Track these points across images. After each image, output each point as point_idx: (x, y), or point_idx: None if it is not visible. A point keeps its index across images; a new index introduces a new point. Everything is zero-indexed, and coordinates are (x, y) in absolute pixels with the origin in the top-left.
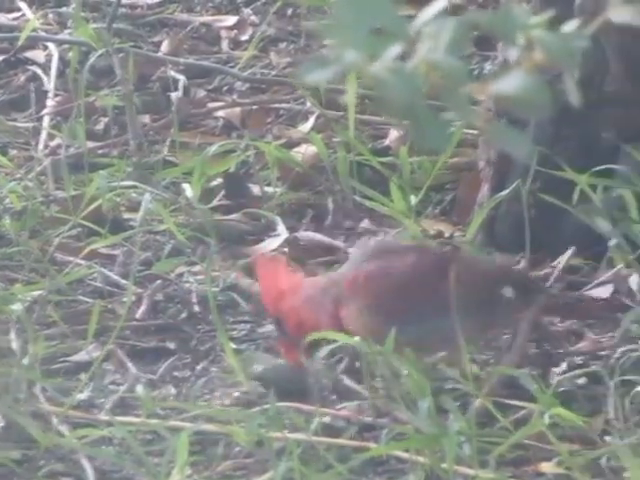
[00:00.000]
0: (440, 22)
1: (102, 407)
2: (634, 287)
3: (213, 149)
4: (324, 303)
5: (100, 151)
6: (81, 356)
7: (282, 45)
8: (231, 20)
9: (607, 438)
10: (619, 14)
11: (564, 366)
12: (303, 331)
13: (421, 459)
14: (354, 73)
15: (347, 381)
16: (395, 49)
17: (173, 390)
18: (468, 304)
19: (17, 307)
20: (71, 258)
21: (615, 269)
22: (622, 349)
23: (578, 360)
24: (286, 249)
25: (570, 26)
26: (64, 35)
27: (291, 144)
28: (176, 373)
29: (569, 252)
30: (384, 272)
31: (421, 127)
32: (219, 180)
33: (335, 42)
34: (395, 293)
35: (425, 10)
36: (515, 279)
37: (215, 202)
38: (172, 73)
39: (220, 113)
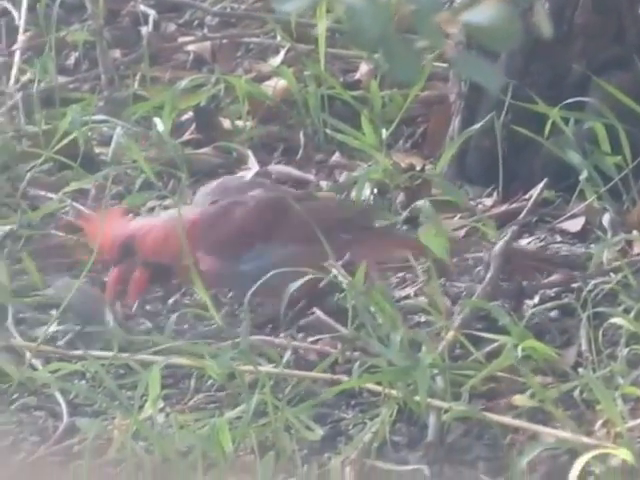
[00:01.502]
0: None
1: (73, 341)
2: (605, 223)
3: (183, 83)
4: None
5: (71, 86)
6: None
7: None
8: None
9: (580, 370)
10: None
11: (536, 299)
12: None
13: (394, 392)
14: (325, 6)
15: (320, 315)
16: None
17: (146, 324)
18: (303, 241)
19: None
20: (42, 192)
21: (587, 202)
22: (594, 282)
23: (550, 292)
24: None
25: None
26: None
27: (261, 78)
28: (148, 307)
29: (541, 185)
30: (224, 212)
31: (393, 58)
32: (190, 114)
33: None
34: (235, 233)
35: None
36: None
37: (186, 136)
38: (142, 7)
39: (190, 47)
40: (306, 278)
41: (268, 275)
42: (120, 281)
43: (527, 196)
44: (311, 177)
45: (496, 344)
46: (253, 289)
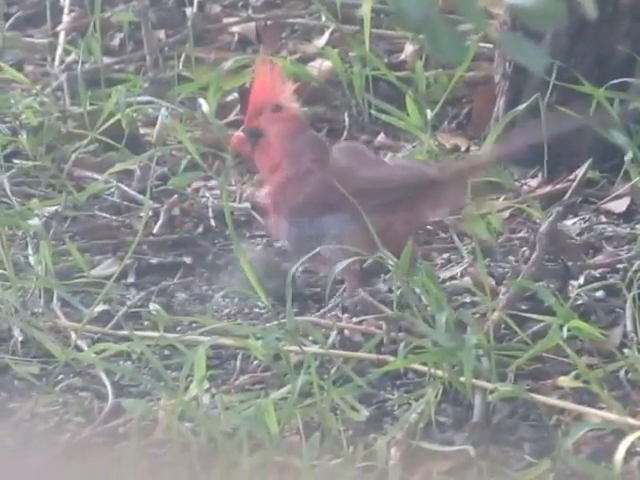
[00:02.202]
0: None
1: (120, 322)
2: None
3: (228, 64)
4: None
5: (116, 67)
6: (99, 271)
7: None
8: None
9: (625, 351)
10: None
11: (582, 279)
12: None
13: (439, 372)
14: None
15: (365, 295)
16: None
17: (191, 304)
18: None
19: (34, 222)
20: (88, 173)
21: (632, 182)
22: (639, 262)
23: (596, 273)
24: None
25: None
26: None
27: (306, 59)
28: (193, 288)
29: (586, 165)
30: (300, 179)
31: (436, 39)
32: (234, 95)
33: None
34: (303, 200)
35: None
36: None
37: (231, 117)
38: None
39: (235, 28)
40: (352, 259)
41: (317, 249)
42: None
43: (572, 177)
44: None
45: (541, 324)
46: (306, 257)
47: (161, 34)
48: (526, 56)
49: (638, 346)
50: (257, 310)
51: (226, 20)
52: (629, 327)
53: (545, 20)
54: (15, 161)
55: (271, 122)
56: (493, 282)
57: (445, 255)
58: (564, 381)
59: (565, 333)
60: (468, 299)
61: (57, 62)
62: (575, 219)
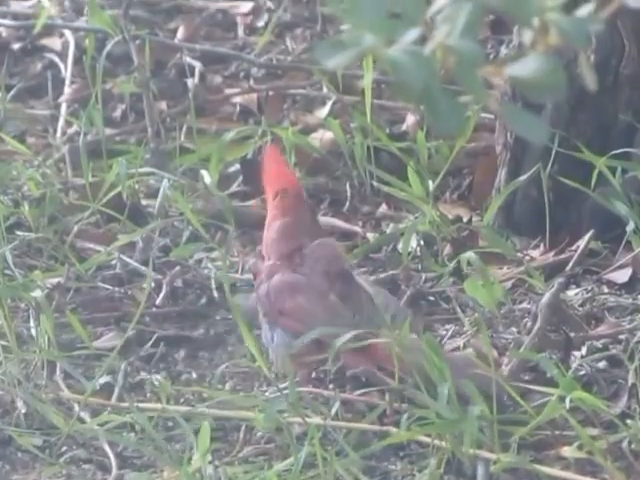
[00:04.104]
0: (455, 6)
1: (123, 393)
2: None
3: (230, 135)
4: None
5: (118, 138)
6: (101, 343)
7: (298, 30)
8: (247, 6)
9: (628, 421)
10: None
11: (584, 350)
12: None
13: (442, 443)
14: (371, 57)
15: (367, 366)
16: (412, 33)
17: (194, 376)
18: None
19: (37, 294)
20: (91, 245)
21: (634, 253)
22: None
23: (598, 344)
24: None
25: (585, 9)
26: (80, 22)
27: (308, 129)
28: (196, 359)
29: (588, 236)
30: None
31: (437, 110)
32: (237, 166)
33: (352, 25)
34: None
35: None
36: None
37: (233, 188)
38: (188, 59)
39: (237, 99)
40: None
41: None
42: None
43: (574, 247)
44: (358, 229)
45: (544, 396)
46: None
47: (163, 105)
48: (526, 128)
49: None
50: (260, 381)
51: (228, 91)
52: (632, 398)
53: (546, 92)
54: (17, 232)
55: (275, 207)
56: (496, 353)
57: (448, 326)
58: (567, 452)
59: (568, 404)
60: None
61: (59, 134)
62: (577, 290)
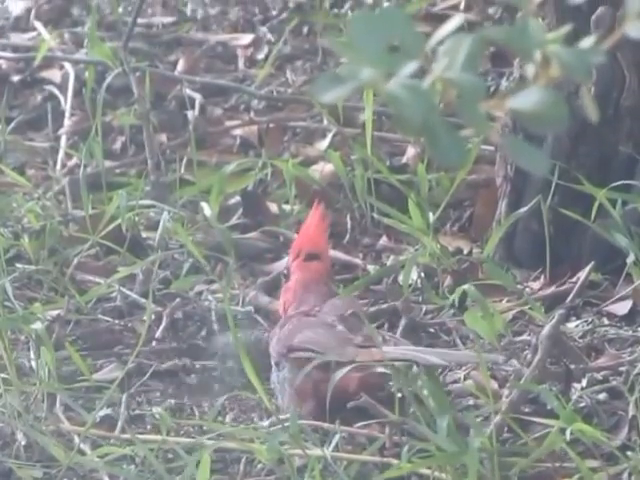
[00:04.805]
0: (456, 39)
1: (123, 425)
2: None
3: (230, 167)
4: None
5: (118, 170)
6: (102, 375)
7: (298, 63)
8: (247, 38)
9: (628, 453)
10: (635, 29)
11: (584, 382)
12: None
13: (443, 476)
14: (371, 90)
15: (367, 399)
16: (411, 66)
17: (194, 408)
18: None
19: (37, 326)
20: (90, 277)
21: (634, 285)
22: None
23: (598, 376)
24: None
25: (586, 42)
26: (80, 54)
27: (308, 162)
28: (196, 391)
29: (588, 268)
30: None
31: (437, 143)
32: (237, 198)
33: (351, 59)
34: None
35: (441, 27)
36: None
37: (233, 220)
38: (188, 91)
39: (237, 131)
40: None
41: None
42: None
43: (574, 279)
44: (358, 261)
45: (545, 427)
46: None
47: (163, 137)
48: (528, 160)
49: None
50: (260, 413)
51: (228, 123)
52: (632, 429)
53: (548, 124)
54: (17, 265)
55: (298, 268)
56: (496, 385)
57: None
58: None
59: (568, 435)
60: (471, 402)
61: (59, 166)
62: (577, 321)
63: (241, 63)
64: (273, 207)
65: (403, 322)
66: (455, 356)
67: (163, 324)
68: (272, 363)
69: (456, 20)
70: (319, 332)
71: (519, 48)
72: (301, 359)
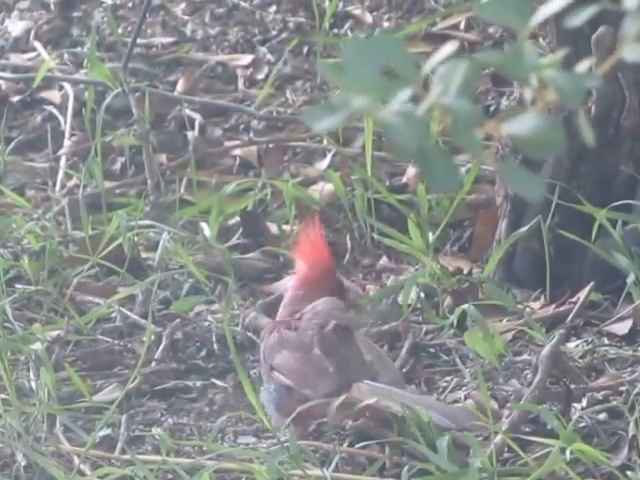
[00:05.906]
0: (451, 65)
1: (123, 446)
2: None
3: (230, 188)
4: None
5: (117, 191)
6: (101, 396)
7: (298, 83)
8: (247, 59)
9: (629, 473)
10: (632, 53)
11: (584, 402)
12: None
13: None
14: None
15: (367, 420)
16: (405, 93)
17: (194, 428)
18: None
19: (37, 347)
20: (90, 298)
21: (634, 305)
22: None
23: (598, 395)
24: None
25: (582, 66)
26: (80, 75)
27: (308, 182)
28: (196, 411)
29: (588, 288)
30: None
31: (432, 170)
32: (237, 219)
33: (343, 87)
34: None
35: (437, 51)
36: None
37: (233, 241)
38: (188, 112)
39: (237, 152)
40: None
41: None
42: None
43: (574, 299)
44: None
45: (545, 450)
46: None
47: (162, 158)
48: (522, 185)
49: None
50: (260, 434)
51: (227, 144)
52: (632, 449)
53: (544, 149)
54: (17, 285)
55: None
56: (496, 405)
57: (448, 378)
58: None
59: (568, 455)
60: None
61: (58, 186)
62: (578, 341)
63: (241, 83)
64: (273, 227)
65: (407, 343)
66: (417, 401)
67: (163, 345)
68: (261, 371)
69: (450, 46)
70: (296, 357)
71: (514, 73)
72: (284, 382)
